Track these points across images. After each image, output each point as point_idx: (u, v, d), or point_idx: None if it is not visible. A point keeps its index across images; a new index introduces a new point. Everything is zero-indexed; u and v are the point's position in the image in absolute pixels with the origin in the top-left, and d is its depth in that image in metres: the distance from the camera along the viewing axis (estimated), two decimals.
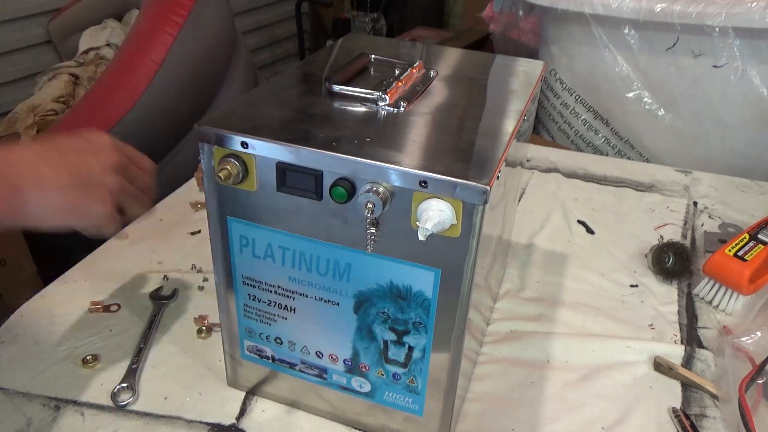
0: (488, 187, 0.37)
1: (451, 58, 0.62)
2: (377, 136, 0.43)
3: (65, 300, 0.69)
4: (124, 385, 0.57)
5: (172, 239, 0.81)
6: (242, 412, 0.56)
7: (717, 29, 1.06)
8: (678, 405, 0.58)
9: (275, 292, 0.49)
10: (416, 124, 0.46)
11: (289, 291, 0.48)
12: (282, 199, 0.44)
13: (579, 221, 0.88)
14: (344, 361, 0.50)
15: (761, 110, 1.11)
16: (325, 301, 0.47)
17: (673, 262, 0.75)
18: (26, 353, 0.62)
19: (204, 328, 0.65)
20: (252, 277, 0.49)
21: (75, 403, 0.56)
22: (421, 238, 0.39)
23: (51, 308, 0.68)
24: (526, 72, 0.59)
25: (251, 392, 0.58)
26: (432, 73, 0.55)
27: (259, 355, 0.54)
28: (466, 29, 2.48)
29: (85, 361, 0.60)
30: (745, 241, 0.73)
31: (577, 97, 1.32)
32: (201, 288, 0.72)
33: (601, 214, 0.90)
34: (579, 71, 1.29)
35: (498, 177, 0.40)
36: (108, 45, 1.67)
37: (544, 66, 0.61)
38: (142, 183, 0.52)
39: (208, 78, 1.28)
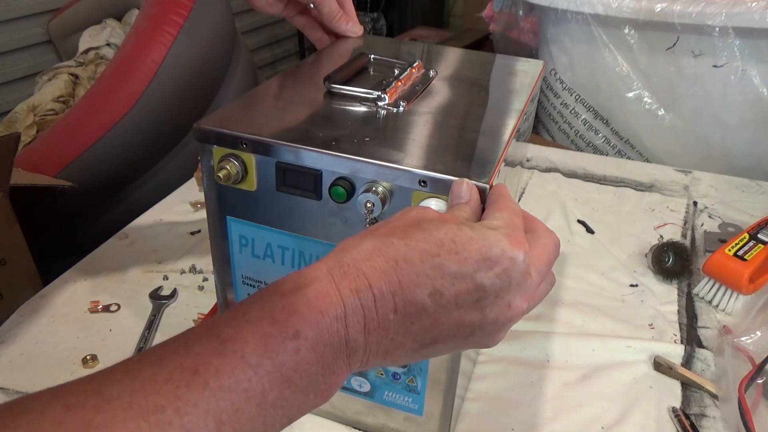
0: (487, 186, 0.37)
1: (450, 57, 0.62)
2: (376, 136, 0.43)
3: (65, 300, 0.70)
4: None
5: (172, 239, 0.81)
6: None
7: (717, 29, 1.06)
8: (678, 404, 0.58)
9: None
10: (415, 123, 0.46)
11: None
12: (281, 199, 0.44)
13: (579, 221, 0.88)
14: None
15: (761, 110, 1.11)
16: None
17: (673, 261, 0.75)
18: (26, 353, 0.62)
19: None
20: (251, 277, 0.49)
21: None
22: None
23: (51, 308, 0.68)
24: (525, 71, 0.59)
25: None
26: (431, 72, 0.55)
27: None
28: (466, 29, 2.48)
29: (84, 361, 0.60)
30: (745, 240, 0.73)
31: (577, 97, 1.32)
32: (201, 288, 0.72)
33: (601, 213, 0.90)
34: (579, 71, 1.29)
35: (497, 176, 0.40)
36: (108, 45, 1.68)
37: (544, 65, 0.61)
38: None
39: (208, 78, 1.28)
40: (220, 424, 0.26)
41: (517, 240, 0.33)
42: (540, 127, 1.46)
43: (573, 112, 1.34)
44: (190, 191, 0.93)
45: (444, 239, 0.31)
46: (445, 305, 0.31)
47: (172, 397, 0.25)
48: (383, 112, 0.47)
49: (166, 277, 0.74)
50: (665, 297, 0.73)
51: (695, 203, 0.93)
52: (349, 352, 0.30)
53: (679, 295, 0.74)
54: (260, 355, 0.27)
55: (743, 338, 0.62)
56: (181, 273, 0.75)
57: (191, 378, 0.26)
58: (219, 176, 0.43)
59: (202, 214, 0.87)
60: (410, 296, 0.30)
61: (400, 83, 0.51)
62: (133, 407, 0.25)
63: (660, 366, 0.62)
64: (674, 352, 0.64)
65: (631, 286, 0.75)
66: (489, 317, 0.32)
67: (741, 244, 0.72)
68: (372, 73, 0.55)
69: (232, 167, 0.43)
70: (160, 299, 0.70)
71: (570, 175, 1.01)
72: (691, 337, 0.67)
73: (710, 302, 0.72)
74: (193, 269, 0.75)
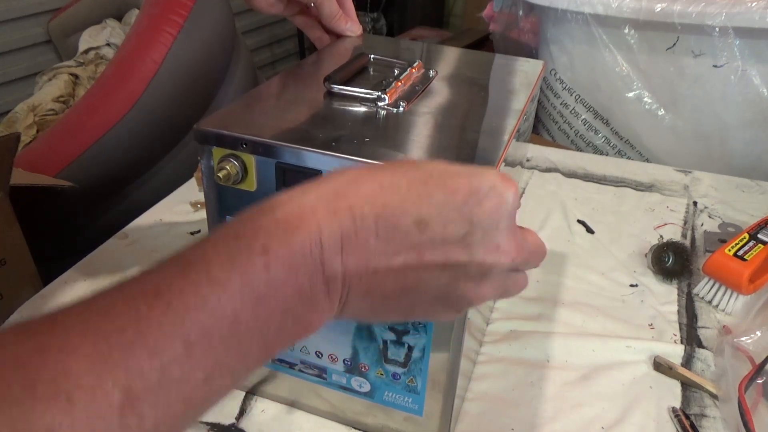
0: None
1: (450, 57, 0.62)
2: (376, 136, 0.43)
3: (65, 300, 0.69)
4: None
5: (171, 239, 0.81)
6: (242, 411, 0.56)
7: (717, 29, 1.06)
8: (678, 405, 0.58)
9: None
10: (415, 123, 0.46)
11: None
12: None
13: (579, 221, 0.88)
14: (344, 360, 0.50)
15: (761, 110, 1.11)
16: None
17: (672, 261, 0.75)
18: None
19: None
20: None
21: None
22: None
23: (51, 308, 0.68)
24: (525, 71, 0.59)
25: (251, 392, 0.58)
26: (431, 72, 0.55)
27: None
28: (466, 29, 2.48)
29: None
30: (744, 240, 0.73)
31: (577, 97, 1.32)
32: None
33: (601, 213, 0.90)
34: (579, 71, 1.29)
35: None
36: (108, 45, 1.68)
37: (544, 65, 0.61)
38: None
39: (208, 78, 1.28)
40: (189, 344, 0.24)
41: (508, 179, 0.31)
42: (540, 127, 1.46)
43: (573, 112, 1.34)
44: (190, 191, 0.93)
45: (433, 171, 0.30)
46: (430, 237, 0.29)
47: (133, 318, 0.23)
48: (383, 112, 0.47)
49: None
50: (665, 297, 0.73)
51: (695, 203, 0.93)
52: (326, 279, 0.28)
53: (679, 295, 0.74)
54: (228, 271, 0.25)
55: (743, 338, 0.62)
56: None
57: (152, 300, 0.24)
58: (219, 177, 0.43)
59: (202, 214, 0.87)
60: (394, 221, 0.28)
61: (400, 83, 0.50)
62: (91, 331, 0.23)
63: (660, 366, 0.62)
64: (674, 352, 0.64)
65: (631, 286, 0.75)
66: (476, 257, 0.30)
67: (741, 244, 0.72)
68: (372, 73, 0.55)
69: (231, 168, 0.43)
70: None
71: (570, 175, 1.01)
72: (691, 337, 0.67)
73: (710, 302, 0.72)
74: None
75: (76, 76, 1.60)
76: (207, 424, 0.54)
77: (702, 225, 0.88)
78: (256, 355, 0.27)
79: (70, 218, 1.14)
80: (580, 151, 1.35)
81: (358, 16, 0.65)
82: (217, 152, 0.43)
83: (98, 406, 0.21)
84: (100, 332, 0.23)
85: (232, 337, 0.25)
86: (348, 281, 0.29)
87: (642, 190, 0.97)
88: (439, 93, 0.52)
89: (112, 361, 0.22)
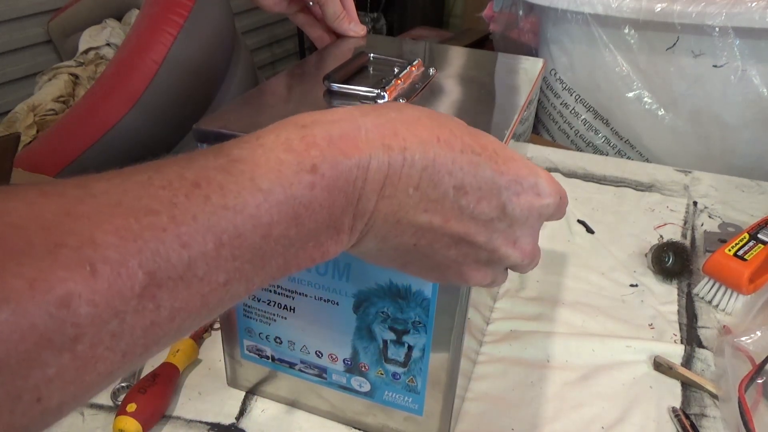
0: None
1: (450, 56, 0.62)
2: None
3: None
4: (124, 384, 0.57)
5: None
6: (242, 411, 0.56)
7: (717, 29, 1.06)
8: (678, 404, 0.58)
9: (275, 292, 0.49)
10: None
11: (289, 291, 0.48)
12: None
13: (579, 221, 0.88)
14: (344, 360, 0.50)
15: (761, 110, 1.11)
16: (324, 300, 0.47)
17: (672, 261, 0.75)
18: None
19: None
20: None
21: None
22: None
23: None
24: (525, 70, 0.59)
25: (251, 392, 0.58)
26: (431, 71, 0.55)
27: (258, 355, 0.54)
28: (466, 29, 2.48)
29: None
30: (745, 240, 0.73)
31: (577, 97, 1.32)
32: None
33: (601, 213, 0.90)
34: (579, 71, 1.29)
35: None
36: (108, 45, 1.68)
37: (544, 64, 0.61)
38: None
39: (208, 78, 1.28)
40: (220, 245, 0.23)
41: (558, 187, 0.31)
42: (540, 127, 1.46)
43: (573, 112, 1.34)
44: None
45: (488, 145, 0.30)
46: (462, 207, 0.29)
47: (168, 203, 0.22)
48: None
49: None
50: (665, 297, 0.73)
51: (695, 203, 0.93)
52: (356, 212, 0.28)
53: (679, 295, 0.74)
54: (272, 181, 0.24)
55: (743, 338, 0.62)
56: None
57: (191, 189, 0.23)
58: None
59: None
60: (438, 179, 0.28)
61: (399, 81, 0.50)
62: (123, 205, 0.21)
63: (660, 366, 0.62)
64: (674, 352, 0.64)
65: (631, 286, 0.75)
66: (492, 243, 0.31)
67: (741, 244, 0.72)
68: (371, 71, 0.55)
69: None
70: None
71: (570, 175, 1.01)
72: (691, 337, 0.67)
73: (710, 302, 0.72)
74: None
75: (76, 76, 1.60)
76: (207, 424, 0.54)
77: (702, 225, 0.88)
78: (273, 271, 0.26)
79: None
80: (580, 151, 1.35)
81: (358, 16, 0.65)
82: None
83: (120, 284, 0.20)
84: (133, 209, 0.21)
85: (260, 248, 0.24)
86: (372, 222, 0.29)
87: (642, 190, 0.97)
88: (439, 91, 0.52)
89: (142, 241, 0.21)
